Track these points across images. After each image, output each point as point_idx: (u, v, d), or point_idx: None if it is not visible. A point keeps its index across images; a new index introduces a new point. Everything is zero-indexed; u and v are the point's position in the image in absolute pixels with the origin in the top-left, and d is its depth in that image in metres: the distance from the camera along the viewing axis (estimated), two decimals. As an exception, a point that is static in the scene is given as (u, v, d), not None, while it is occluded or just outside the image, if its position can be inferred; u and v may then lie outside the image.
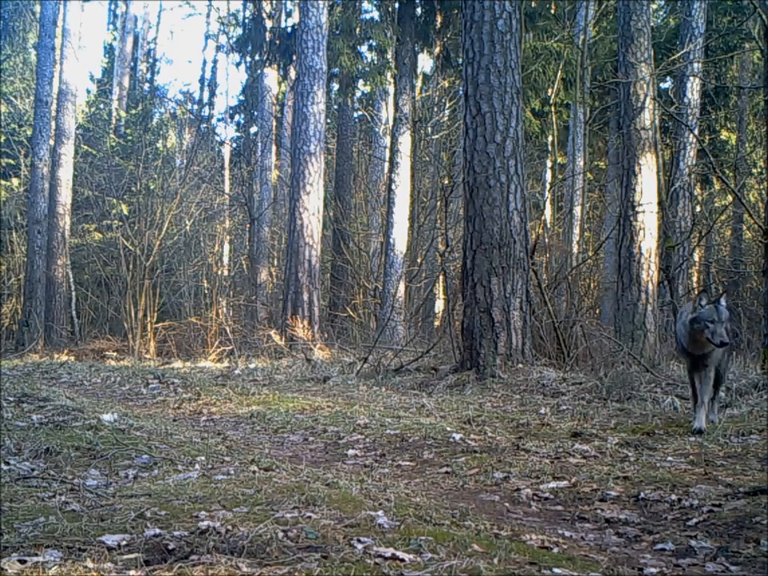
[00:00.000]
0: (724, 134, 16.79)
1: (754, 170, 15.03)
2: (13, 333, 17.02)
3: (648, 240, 8.53)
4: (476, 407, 5.90)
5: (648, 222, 8.53)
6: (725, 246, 16.85)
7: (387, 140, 16.05)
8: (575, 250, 12.33)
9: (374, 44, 15.05)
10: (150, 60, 30.75)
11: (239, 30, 20.96)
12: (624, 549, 2.64)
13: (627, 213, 8.60)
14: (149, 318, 14.85)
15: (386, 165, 15.96)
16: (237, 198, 19.73)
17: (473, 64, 7.64)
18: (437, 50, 15.68)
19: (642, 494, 3.23)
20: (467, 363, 7.47)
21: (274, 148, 21.53)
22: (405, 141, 14.62)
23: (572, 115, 15.00)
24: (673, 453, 4.07)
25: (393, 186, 14.61)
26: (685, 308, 4.90)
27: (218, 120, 29.84)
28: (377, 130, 17.10)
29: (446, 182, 15.66)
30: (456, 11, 14.47)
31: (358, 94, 19.46)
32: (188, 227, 17.74)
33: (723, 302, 4.56)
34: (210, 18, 29.28)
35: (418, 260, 15.69)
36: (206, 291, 16.44)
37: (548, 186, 17.28)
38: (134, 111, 23.83)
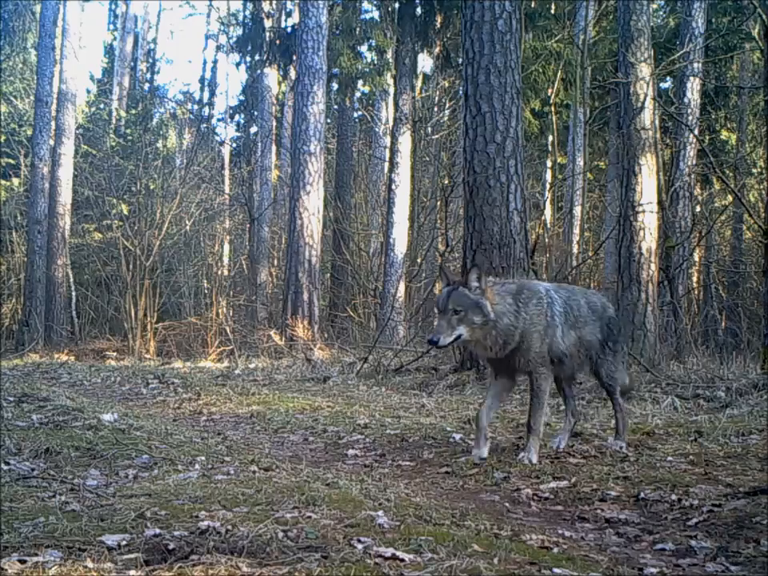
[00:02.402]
0: (724, 134, 16.77)
1: (754, 170, 15.03)
2: (13, 333, 17.02)
3: (648, 240, 8.52)
4: (476, 407, 5.90)
5: (648, 221, 8.52)
6: (725, 246, 16.84)
7: (387, 140, 16.04)
8: (575, 250, 12.34)
9: (374, 44, 15.06)
10: (150, 60, 30.76)
11: (239, 30, 20.94)
12: (624, 549, 2.64)
13: (627, 213, 8.59)
14: (149, 318, 14.85)
15: (386, 165, 15.96)
16: (237, 198, 19.73)
17: (473, 64, 7.64)
18: (437, 49, 15.67)
19: (642, 494, 3.23)
20: (467, 363, 7.47)
21: (274, 148, 21.53)
22: (405, 141, 14.62)
23: (572, 115, 14.98)
24: (673, 453, 4.06)
25: (393, 186, 14.61)
26: None
27: (218, 120, 29.88)
28: (377, 129, 17.10)
29: (446, 182, 15.64)
30: (456, 11, 14.46)
31: (358, 94, 19.47)
32: (188, 227, 17.74)
33: (473, 282, 3.52)
34: (210, 17, 29.30)
35: (418, 260, 15.68)
36: (206, 291, 16.45)
37: (548, 186, 17.26)
38: (134, 111, 23.84)
